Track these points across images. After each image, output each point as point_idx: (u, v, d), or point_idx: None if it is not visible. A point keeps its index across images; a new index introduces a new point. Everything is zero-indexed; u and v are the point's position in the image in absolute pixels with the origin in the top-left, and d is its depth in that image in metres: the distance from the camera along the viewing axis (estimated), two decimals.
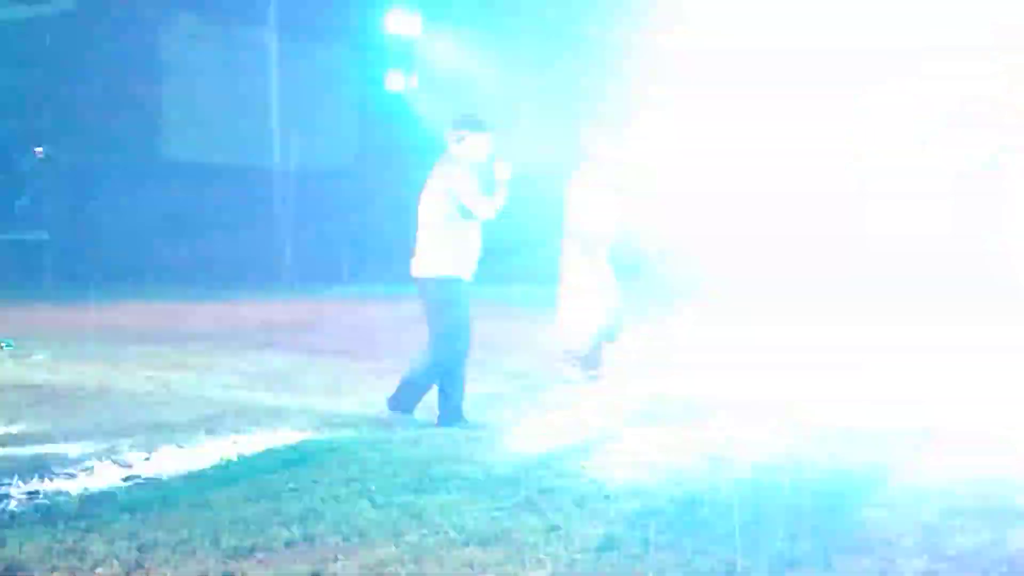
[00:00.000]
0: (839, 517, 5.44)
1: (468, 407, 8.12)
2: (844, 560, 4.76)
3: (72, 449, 6.67)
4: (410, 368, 7.75)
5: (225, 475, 6.10)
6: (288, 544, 4.91)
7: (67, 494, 5.61)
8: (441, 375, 7.73)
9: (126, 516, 5.22)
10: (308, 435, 7.26)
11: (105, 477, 6.01)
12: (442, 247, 7.63)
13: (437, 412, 7.72)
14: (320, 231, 25.08)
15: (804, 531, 5.17)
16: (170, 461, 6.43)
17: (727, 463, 6.62)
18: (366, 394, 8.57)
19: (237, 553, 4.76)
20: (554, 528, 5.16)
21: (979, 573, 4.66)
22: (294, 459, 6.53)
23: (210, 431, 7.35)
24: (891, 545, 4.99)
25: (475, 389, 9.21)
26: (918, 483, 6.16)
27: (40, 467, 6.18)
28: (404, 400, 7.70)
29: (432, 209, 7.65)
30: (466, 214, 7.62)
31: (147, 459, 6.46)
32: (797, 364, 11.36)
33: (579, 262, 10.05)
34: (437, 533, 5.07)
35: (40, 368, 9.90)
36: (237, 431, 7.36)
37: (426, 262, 7.66)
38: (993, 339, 12.89)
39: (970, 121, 19.27)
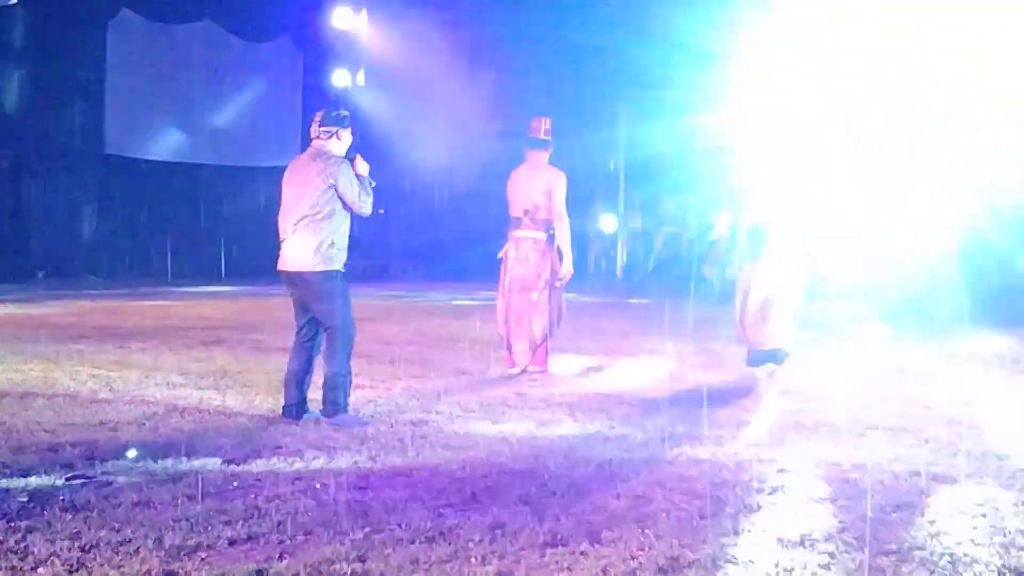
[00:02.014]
0: (782, 512, 5.48)
1: (413, 404, 8.15)
2: (788, 554, 4.81)
3: (13, 448, 6.58)
4: (325, 372, 7.77)
5: (168, 474, 6.04)
6: (232, 543, 4.88)
7: (8, 494, 5.54)
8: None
9: (68, 516, 5.17)
10: (253, 434, 7.23)
11: (47, 477, 5.94)
12: (329, 242, 7.70)
13: (323, 406, 7.76)
14: (263, 228, 24.97)
15: (748, 526, 5.22)
16: (113, 460, 6.36)
17: (671, 460, 6.66)
18: (311, 392, 8.52)
19: (180, 552, 4.73)
20: (500, 525, 5.17)
21: (920, 566, 4.72)
22: (239, 458, 6.49)
23: (153, 430, 7.29)
24: (833, 539, 5.04)
25: (422, 386, 9.24)
26: (859, 478, 6.23)
27: None
28: (339, 402, 7.71)
29: (315, 205, 7.66)
30: (347, 209, 7.76)
31: (89, 458, 6.39)
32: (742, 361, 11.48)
33: (539, 251, 10.18)
34: (382, 531, 5.06)
35: None
36: (181, 430, 7.31)
37: (313, 258, 7.67)
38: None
39: None
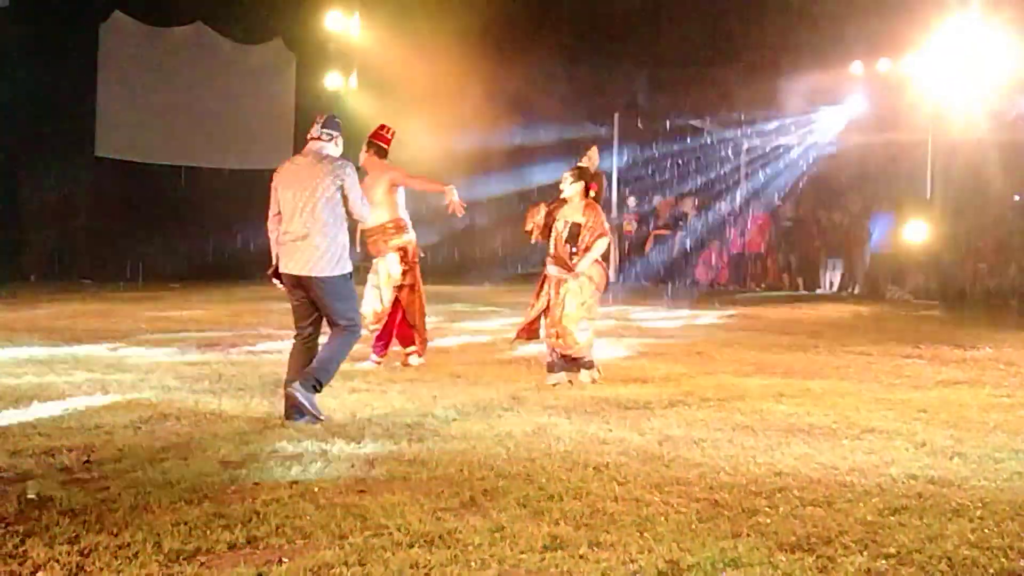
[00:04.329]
0: (780, 516, 5.49)
1: (410, 407, 8.19)
2: (785, 558, 4.82)
3: (9, 452, 6.57)
4: (324, 354, 7.90)
5: (166, 478, 6.03)
6: (231, 547, 4.88)
7: (5, 498, 5.52)
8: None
9: (66, 520, 5.16)
10: (250, 437, 7.20)
11: (44, 480, 5.93)
12: (343, 245, 7.86)
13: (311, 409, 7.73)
14: (256, 230, 24.90)
15: (746, 530, 5.23)
16: (110, 464, 6.35)
17: (668, 463, 6.67)
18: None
19: (179, 556, 4.73)
20: (498, 528, 5.17)
21: (918, 570, 4.73)
22: (236, 461, 6.48)
23: (150, 434, 7.27)
24: (831, 543, 5.05)
25: (417, 389, 9.24)
26: (856, 481, 6.24)
27: None
28: (322, 383, 7.84)
29: (330, 207, 7.77)
30: (349, 213, 7.96)
31: (86, 462, 6.38)
32: (736, 365, 11.49)
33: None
34: (381, 534, 5.06)
35: None
36: (177, 433, 7.29)
37: (332, 262, 7.78)
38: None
39: None
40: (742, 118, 26.61)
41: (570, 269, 9.68)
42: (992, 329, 15.70)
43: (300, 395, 7.60)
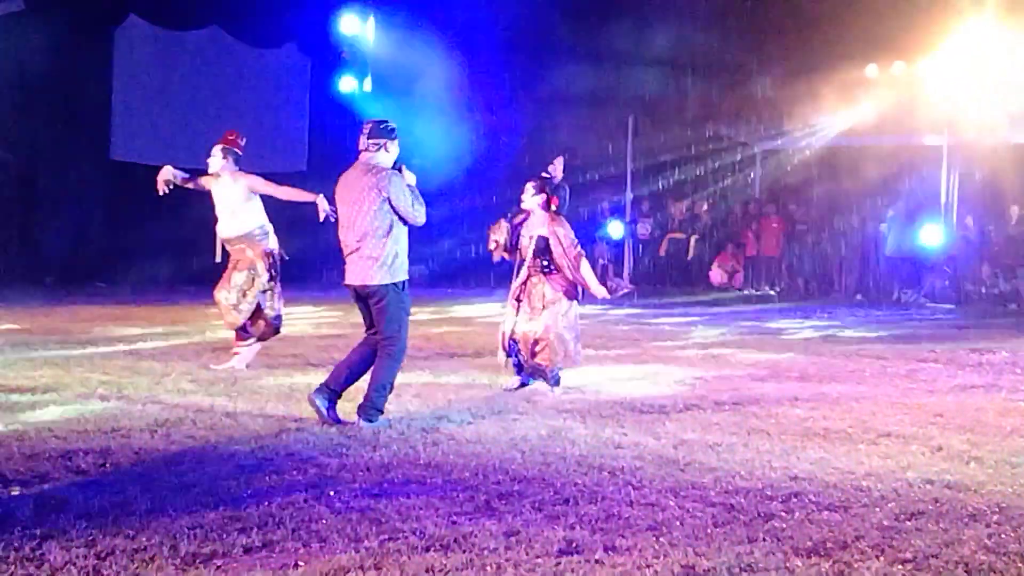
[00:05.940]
0: (796, 520, 5.48)
1: (425, 411, 8.20)
2: (802, 563, 4.81)
3: (26, 455, 6.59)
4: (376, 379, 7.88)
5: (182, 481, 6.05)
6: (247, 550, 4.90)
7: (23, 501, 5.55)
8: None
9: (83, 523, 5.17)
10: (265, 441, 7.22)
11: (61, 483, 5.95)
12: (394, 254, 7.87)
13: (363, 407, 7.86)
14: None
15: (762, 534, 5.22)
16: (126, 467, 6.38)
17: (683, 467, 6.66)
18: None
19: (196, 560, 4.74)
20: (514, 532, 5.18)
21: (935, 575, 4.72)
22: (251, 465, 6.50)
23: (166, 436, 7.29)
24: (848, 548, 5.05)
25: (432, 393, 9.24)
26: (872, 486, 6.23)
27: None
28: (381, 408, 7.86)
29: (378, 219, 7.80)
30: (404, 221, 7.94)
31: (103, 465, 6.40)
32: (751, 369, 11.47)
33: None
34: (396, 538, 5.07)
35: None
36: (193, 437, 7.30)
37: (380, 272, 7.83)
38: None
39: None
40: (756, 121, 26.52)
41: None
42: (1008, 333, 15.63)
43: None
